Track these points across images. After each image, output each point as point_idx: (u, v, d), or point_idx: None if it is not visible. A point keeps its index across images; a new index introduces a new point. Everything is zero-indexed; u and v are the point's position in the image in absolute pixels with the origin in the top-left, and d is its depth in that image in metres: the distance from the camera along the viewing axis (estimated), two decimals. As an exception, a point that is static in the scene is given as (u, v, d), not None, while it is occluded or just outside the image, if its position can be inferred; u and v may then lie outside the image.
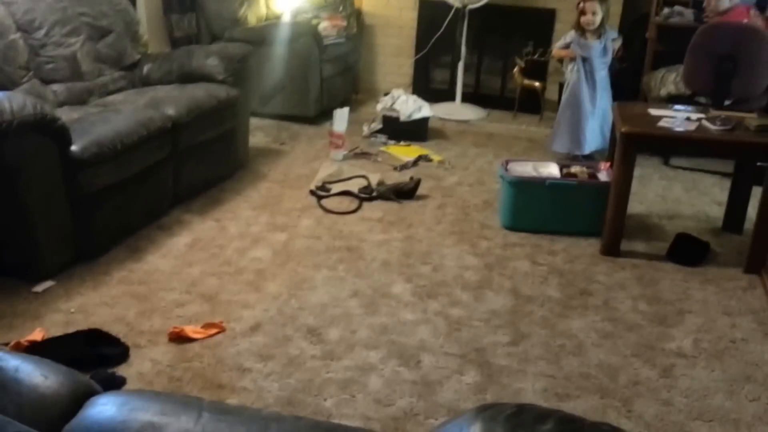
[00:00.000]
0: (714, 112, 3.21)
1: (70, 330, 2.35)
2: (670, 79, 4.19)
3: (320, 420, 1.31)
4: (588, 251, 3.12)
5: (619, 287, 2.84)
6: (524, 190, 3.27)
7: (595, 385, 2.25)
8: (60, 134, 2.61)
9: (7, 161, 2.46)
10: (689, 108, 3.30)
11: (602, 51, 4.13)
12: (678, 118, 3.10)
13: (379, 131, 4.55)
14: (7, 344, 2.25)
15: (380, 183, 3.68)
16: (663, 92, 4.18)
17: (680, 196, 3.83)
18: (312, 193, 3.60)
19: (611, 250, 3.08)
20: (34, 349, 2.18)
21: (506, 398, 2.16)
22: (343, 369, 2.26)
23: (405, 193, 3.60)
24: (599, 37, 4.11)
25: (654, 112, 3.21)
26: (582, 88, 4.12)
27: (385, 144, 4.42)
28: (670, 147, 3.50)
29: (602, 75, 4.17)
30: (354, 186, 3.65)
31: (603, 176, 3.31)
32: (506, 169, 3.37)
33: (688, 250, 3.10)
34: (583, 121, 4.12)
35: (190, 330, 2.39)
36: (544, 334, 2.50)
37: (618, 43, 4.46)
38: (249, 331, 2.44)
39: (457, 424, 1.16)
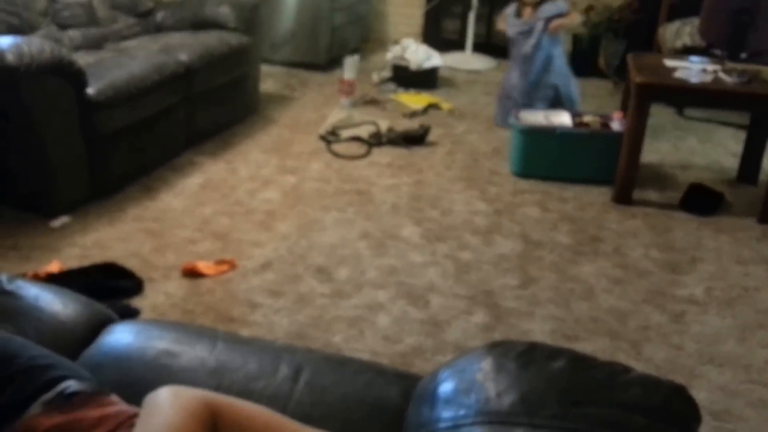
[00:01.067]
0: (730, 65, 3.10)
1: (87, 263, 2.34)
2: (685, 32, 4.04)
3: (331, 352, 1.28)
4: (599, 199, 3.05)
5: (630, 235, 2.78)
6: (535, 138, 3.18)
7: (605, 328, 2.21)
8: (76, 77, 2.62)
9: (26, 102, 2.48)
10: (705, 60, 3.18)
11: (529, 32, 3.61)
12: (693, 70, 3.00)
13: (389, 79, 4.45)
14: (25, 275, 2.22)
15: (390, 129, 3.59)
16: (678, 44, 4.03)
17: (694, 146, 3.73)
18: (322, 138, 3.53)
19: (623, 198, 3.01)
20: (51, 281, 2.16)
21: (514, 338, 2.12)
22: (352, 307, 2.23)
23: (414, 139, 3.52)
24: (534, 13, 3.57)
25: (669, 63, 3.10)
26: (510, 65, 3.76)
27: (394, 92, 4.31)
28: (685, 98, 3.39)
29: (538, 56, 3.62)
30: (363, 132, 3.57)
31: (616, 126, 3.22)
32: (517, 118, 3.27)
33: (701, 200, 3.03)
34: (504, 99, 3.76)
35: (203, 266, 2.36)
36: (553, 279, 2.45)
37: (575, 18, 3.83)
38: (260, 269, 2.41)
39: (468, 359, 1.12)
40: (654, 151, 3.57)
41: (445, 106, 4.11)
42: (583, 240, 2.72)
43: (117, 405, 0.99)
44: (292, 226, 2.71)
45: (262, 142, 3.48)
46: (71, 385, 0.97)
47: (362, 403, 1.15)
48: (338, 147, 3.44)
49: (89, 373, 1.09)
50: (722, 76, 2.94)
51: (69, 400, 0.95)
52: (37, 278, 2.20)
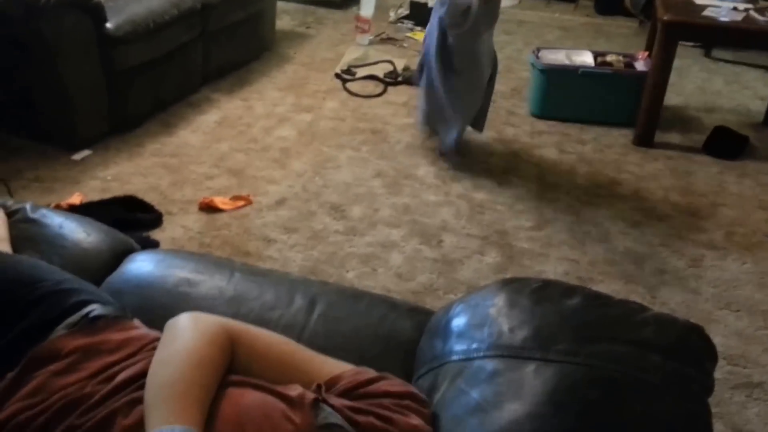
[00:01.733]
0: (763, 3, 2.96)
1: (107, 196, 2.35)
2: (717, -32, 3.85)
3: (345, 286, 1.27)
4: (619, 141, 2.98)
5: (650, 178, 2.72)
6: (556, 78, 3.09)
7: (620, 271, 2.19)
8: (95, 11, 2.60)
9: (46, 37, 2.46)
10: (736, -2, 3.04)
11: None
12: (724, 8, 2.86)
13: (405, 17, 4.33)
14: (48, 206, 2.24)
15: (406, 68, 3.51)
16: (709, -18, 3.86)
17: (720, 89, 3.61)
18: (337, 76, 3.46)
19: (644, 140, 2.94)
20: (73, 212, 2.17)
21: (529, 279, 2.12)
22: (365, 245, 2.23)
23: (434, 78, 3.44)
24: None
25: (698, 0, 2.96)
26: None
27: (411, 30, 4.20)
28: (713, 37, 3.26)
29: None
30: (379, 70, 3.49)
31: (640, 66, 3.11)
32: (537, 57, 3.17)
33: (725, 144, 2.95)
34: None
35: (219, 201, 2.37)
36: (569, 221, 2.42)
37: None
38: (275, 205, 2.40)
39: (481, 295, 1.11)
40: (678, 93, 3.46)
41: (465, 44, 4.00)
42: (602, 183, 2.67)
43: (139, 329, 1.00)
44: (307, 163, 2.69)
45: (277, 79, 3.42)
46: (96, 308, 0.98)
47: (375, 336, 1.15)
48: (354, 85, 3.38)
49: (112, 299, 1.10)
50: (754, 15, 2.82)
51: (93, 323, 0.96)
52: (60, 209, 2.22)
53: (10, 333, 0.92)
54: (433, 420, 0.92)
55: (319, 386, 0.88)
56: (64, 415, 0.82)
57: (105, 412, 0.82)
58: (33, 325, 0.93)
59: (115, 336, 0.95)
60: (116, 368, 0.88)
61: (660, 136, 2.97)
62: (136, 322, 1.04)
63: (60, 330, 0.94)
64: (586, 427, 0.86)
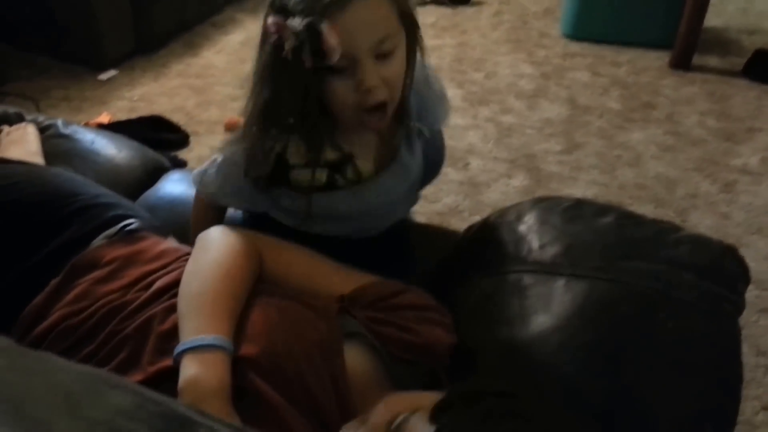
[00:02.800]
0: None
1: (134, 116, 2.34)
2: None
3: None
4: (655, 64, 2.86)
5: (685, 101, 2.62)
6: (592, -4, 2.94)
7: (650, 195, 2.14)
8: None
9: None
10: None
11: None
12: None
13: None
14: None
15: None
16: None
17: (764, 9, 3.40)
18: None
19: (681, 63, 2.81)
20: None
21: (556, 203, 2.08)
22: (395, 167, 2.20)
23: (461, -2, 3.30)
24: None
25: None
26: None
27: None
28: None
29: None
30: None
31: (681, -16, 2.93)
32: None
33: (766, 67, 2.81)
34: None
35: (246, 122, 2.34)
36: (599, 145, 2.36)
37: None
38: (303, 127, 2.37)
39: (512, 212, 1.08)
40: (719, 14, 3.27)
41: (497, -38, 3.80)
42: (635, 106, 2.58)
43: (175, 243, 1.02)
44: (335, 85, 2.63)
45: (304, -2, 3.31)
46: (133, 222, 0.99)
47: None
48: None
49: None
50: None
51: (131, 235, 0.97)
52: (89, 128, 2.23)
53: (51, 243, 0.93)
54: (457, 332, 0.91)
55: (342, 297, 0.88)
56: (107, 320, 0.84)
57: (143, 318, 0.83)
58: (73, 236, 0.94)
59: (152, 248, 0.96)
60: (153, 276, 0.90)
61: (698, 59, 2.84)
62: (171, 238, 1.05)
63: (99, 240, 0.95)
64: (615, 341, 0.85)
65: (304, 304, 0.85)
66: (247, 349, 0.78)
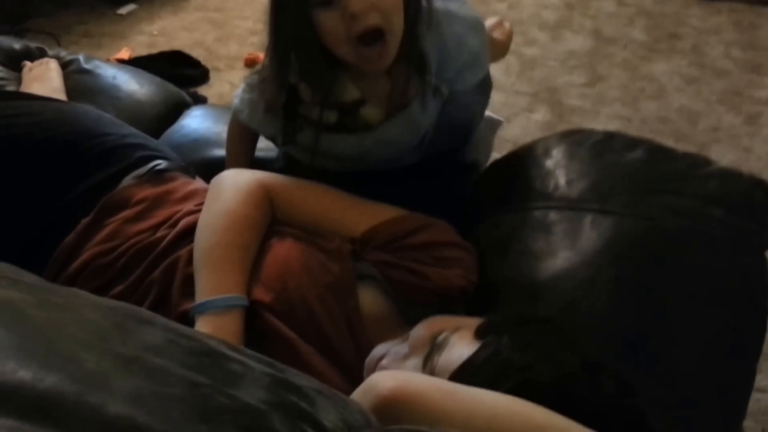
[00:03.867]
0: None
1: (154, 51, 2.29)
2: None
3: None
4: (682, -8, 2.71)
5: (712, 32, 2.49)
6: None
7: (672, 129, 2.06)
8: None
9: None
10: None
11: None
12: None
13: None
14: (96, 61, 2.21)
15: None
16: None
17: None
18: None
19: (709, -9, 2.66)
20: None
21: (577, 137, 2.02)
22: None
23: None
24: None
25: None
26: None
27: None
28: None
29: None
30: None
31: None
32: None
33: (797, -6, 2.65)
34: None
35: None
36: (623, 77, 2.26)
37: None
38: (323, 61, 2.30)
39: (540, 146, 1.03)
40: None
41: None
42: (660, 37, 2.46)
43: (202, 183, 0.99)
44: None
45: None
46: (161, 163, 0.97)
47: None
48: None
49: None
50: None
51: (160, 174, 0.95)
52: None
53: (81, 183, 0.92)
54: (481, 267, 0.88)
55: (353, 240, 0.85)
56: (137, 261, 0.84)
57: (170, 258, 0.83)
58: (103, 175, 0.93)
59: (181, 188, 0.94)
60: (180, 215, 0.89)
61: (727, -13, 2.69)
62: (198, 178, 1.03)
63: (128, 180, 0.93)
64: (642, 277, 0.82)
65: (316, 246, 0.84)
66: (261, 294, 0.78)
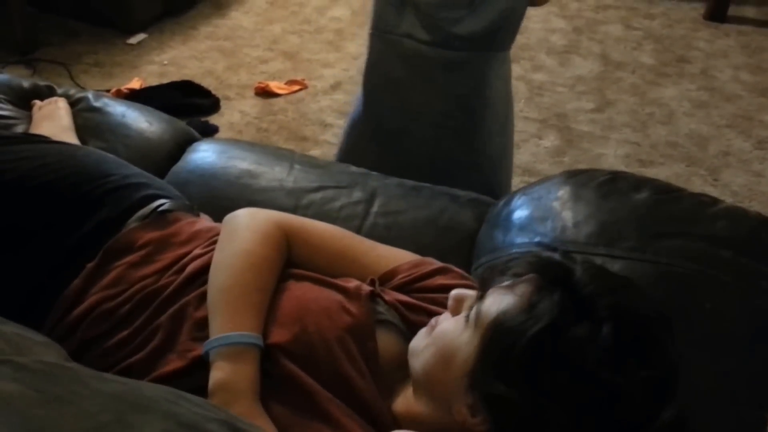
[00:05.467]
0: None
1: (165, 81, 2.32)
2: None
3: (406, 180, 1.24)
4: (690, 15, 2.72)
5: (720, 55, 2.50)
6: (626, -55, 2.79)
7: (682, 153, 2.07)
8: None
9: None
10: None
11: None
12: None
13: None
14: (108, 90, 2.24)
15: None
16: None
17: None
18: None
19: (716, 14, 2.67)
20: (133, 97, 2.17)
21: (585, 162, 2.03)
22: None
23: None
24: None
25: None
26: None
27: None
28: None
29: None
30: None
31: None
32: None
33: (805, 16, 2.66)
34: None
35: (275, 85, 2.31)
36: (632, 102, 2.27)
37: None
38: (330, 89, 2.33)
39: (545, 186, 1.04)
40: (758, -40, 3.10)
41: None
42: (668, 60, 2.48)
43: (207, 222, 1.00)
44: (362, 45, 2.54)
45: (329, -46, 3.21)
46: (165, 203, 0.97)
47: (435, 226, 1.11)
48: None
49: (179, 192, 1.10)
50: None
51: (163, 216, 0.95)
52: (120, 94, 2.21)
53: (84, 226, 0.92)
54: None
55: (373, 281, 0.86)
56: (143, 306, 0.84)
57: (178, 304, 0.83)
58: (105, 218, 0.93)
59: (185, 229, 0.94)
60: (186, 259, 0.88)
61: (733, 10, 2.70)
62: (203, 215, 1.03)
63: (132, 222, 0.93)
64: (650, 324, 0.82)
65: (334, 287, 0.84)
66: (279, 336, 0.78)
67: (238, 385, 0.73)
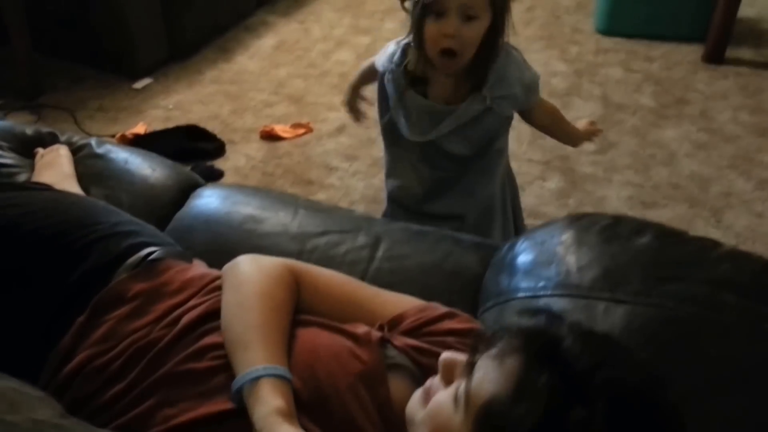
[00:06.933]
0: None
1: (170, 125, 2.36)
2: None
3: (410, 225, 1.26)
4: (688, 58, 2.79)
5: (719, 96, 2.55)
6: (624, -10, 2.87)
7: (684, 194, 2.09)
8: None
9: None
10: None
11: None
12: None
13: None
14: (113, 136, 2.28)
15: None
16: None
17: (800, -2, 3.30)
18: (396, -6, 3.31)
19: (715, 56, 2.73)
20: (138, 142, 2.20)
21: (589, 204, 2.05)
22: (427, 171, 2.19)
23: (492, -6, 3.25)
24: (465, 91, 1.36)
25: None
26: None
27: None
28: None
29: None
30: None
31: (715, -25, 2.85)
32: (605, -33, 2.94)
33: (802, 58, 2.72)
34: None
35: (280, 129, 2.36)
36: (633, 144, 2.31)
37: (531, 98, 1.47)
38: (335, 132, 2.37)
39: (548, 231, 1.07)
40: (752, 4, 3.17)
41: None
42: (668, 102, 2.53)
43: (200, 269, 0.97)
44: (367, 89, 2.62)
45: (334, 0, 3.31)
46: (154, 250, 0.95)
47: (440, 270, 1.13)
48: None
49: (176, 240, 1.08)
50: None
51: (153, 265, 0.93)
52: (125, 139, 2.25)
53: (71, 276, 0.90)
54: None
55: (381, 326, 0.86)
56: (136, 360, 0.81)
57: (176, 358, 0.81)
58: (92, 267, 0.91)
59: (177, 277, 0.92)
60: (180, 310, 0.86)
61: (731, 52, 2.76)
62: (197, 261, 1.01)
63: (121, 273, 0.91)
64: (656, 369, 0.83)
65: (344, 333, 0.84)
66: None
67: (283, 410, 0.72)
